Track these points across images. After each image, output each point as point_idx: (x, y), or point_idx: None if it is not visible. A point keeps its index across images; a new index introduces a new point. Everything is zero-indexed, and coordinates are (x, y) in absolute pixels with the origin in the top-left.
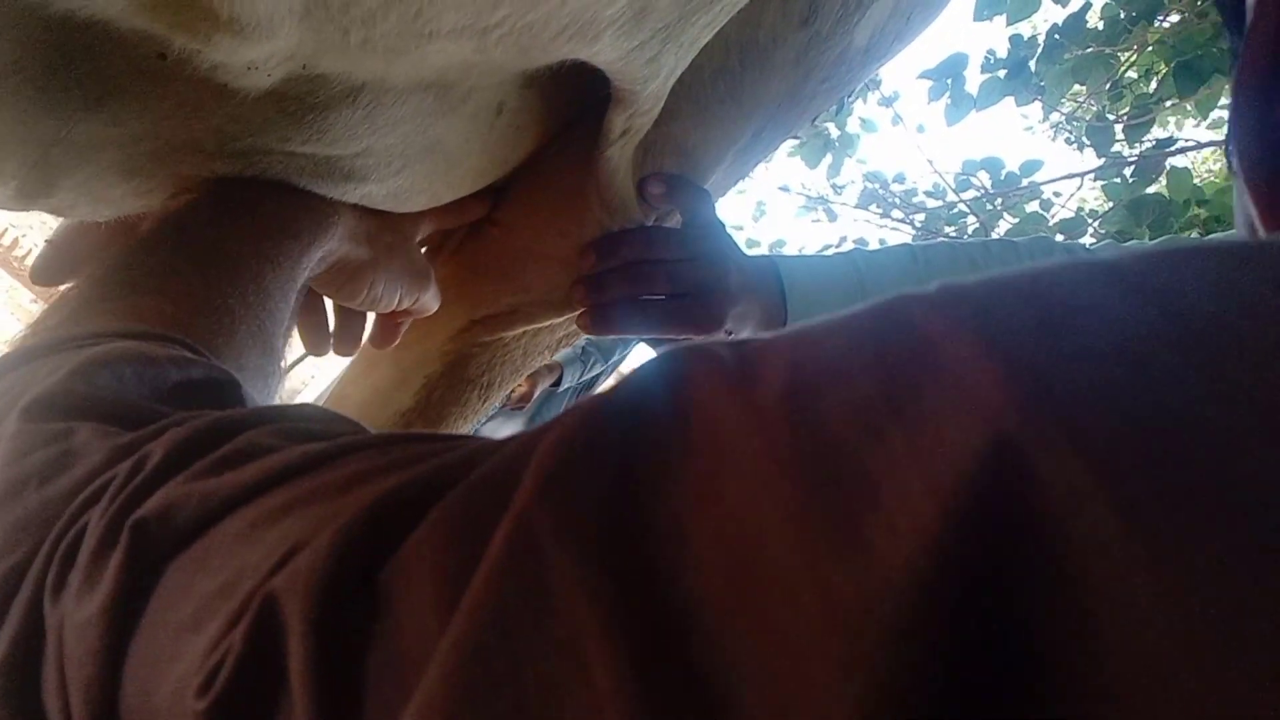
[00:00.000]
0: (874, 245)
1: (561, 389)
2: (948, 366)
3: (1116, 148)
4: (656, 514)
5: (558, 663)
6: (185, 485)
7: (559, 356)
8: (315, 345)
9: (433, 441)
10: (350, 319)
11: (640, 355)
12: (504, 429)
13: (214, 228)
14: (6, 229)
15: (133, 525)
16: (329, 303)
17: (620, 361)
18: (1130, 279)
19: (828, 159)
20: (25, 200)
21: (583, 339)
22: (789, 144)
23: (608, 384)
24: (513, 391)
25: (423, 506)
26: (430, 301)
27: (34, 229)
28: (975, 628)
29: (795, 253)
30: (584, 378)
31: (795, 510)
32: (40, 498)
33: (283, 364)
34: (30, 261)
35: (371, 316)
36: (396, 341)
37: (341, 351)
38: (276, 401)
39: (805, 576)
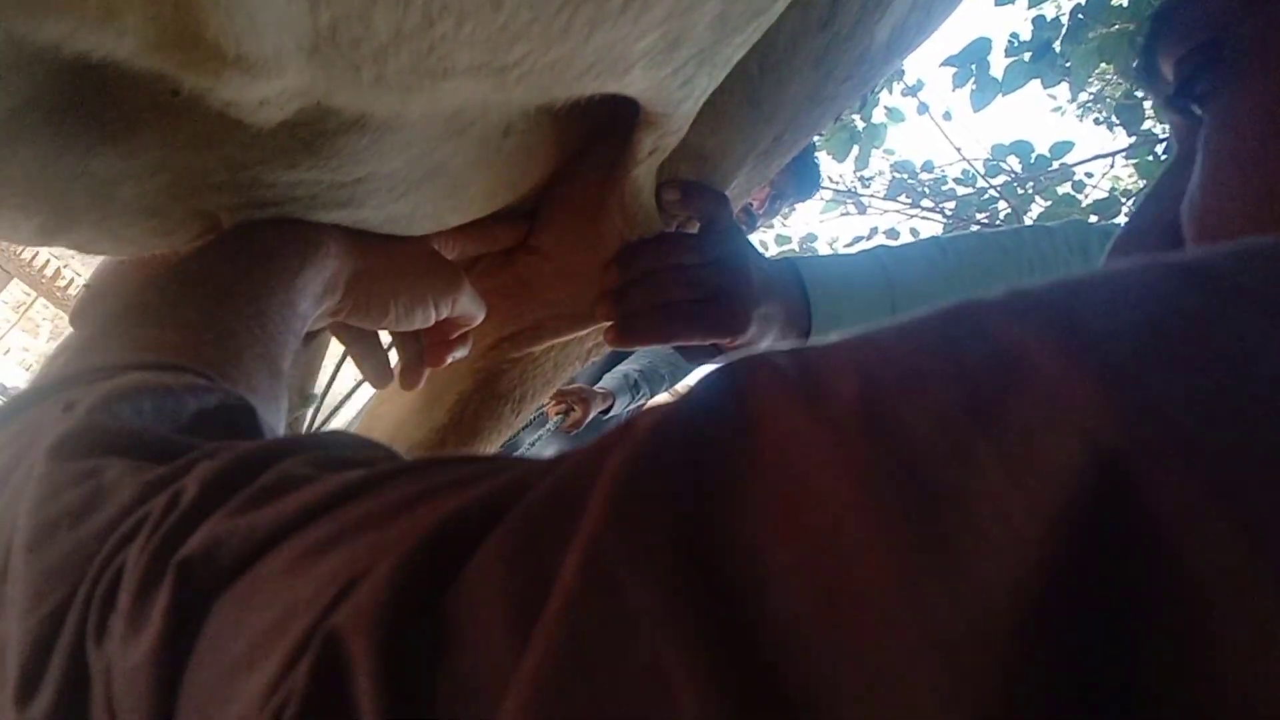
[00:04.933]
0: (905, 236)
1: (609, 416)
2: (1034, 377)
3: (1147, 125)
4: (732, 536)
5: (641, 692)
6: (227, 520)
7: (610, 385)
8: (378, 379)
9: (474, 463)
10: (408, 348)
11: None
12: (551, 451)
13: (208, 262)
14: (49, 260)
15: (178, 564)
16: (385, 337)
17: (669, 389)
18: (1221, 282)
19: (854, 151)
20: (47, 236)
21: (635, 370)
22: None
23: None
24: (569, 414)
25: (481, 531)
26: (469, 305)
27: (75, 258)
28: (1085, 655)
29: (827, 246)
30: (633, 405)
31: (885, 529)
32: (74, 538)
33: (287, 387)
34: (72, 291)
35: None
36: (448, 361)
37: (406, 385)
38: (285, 419)
39: (901, 600)
